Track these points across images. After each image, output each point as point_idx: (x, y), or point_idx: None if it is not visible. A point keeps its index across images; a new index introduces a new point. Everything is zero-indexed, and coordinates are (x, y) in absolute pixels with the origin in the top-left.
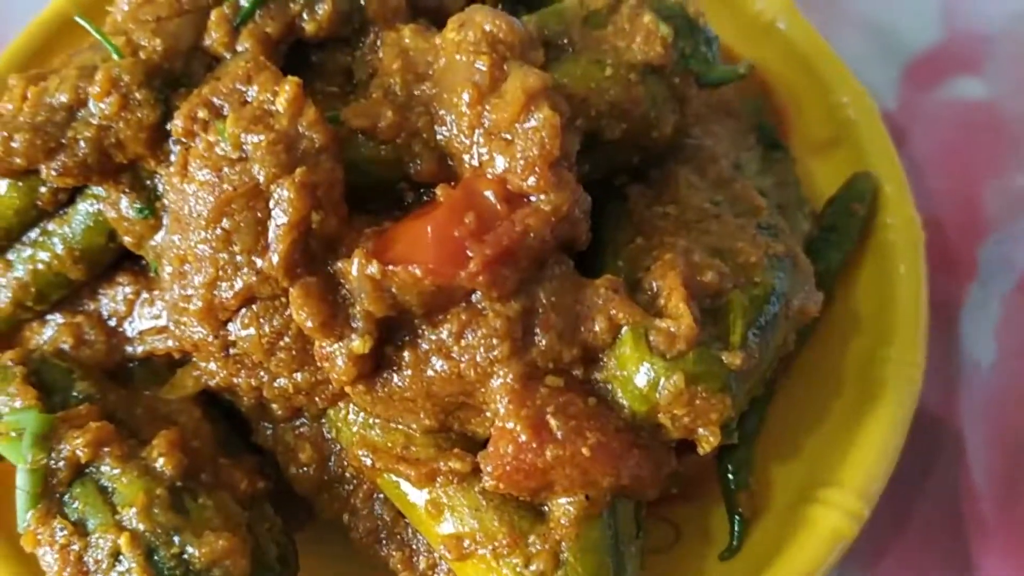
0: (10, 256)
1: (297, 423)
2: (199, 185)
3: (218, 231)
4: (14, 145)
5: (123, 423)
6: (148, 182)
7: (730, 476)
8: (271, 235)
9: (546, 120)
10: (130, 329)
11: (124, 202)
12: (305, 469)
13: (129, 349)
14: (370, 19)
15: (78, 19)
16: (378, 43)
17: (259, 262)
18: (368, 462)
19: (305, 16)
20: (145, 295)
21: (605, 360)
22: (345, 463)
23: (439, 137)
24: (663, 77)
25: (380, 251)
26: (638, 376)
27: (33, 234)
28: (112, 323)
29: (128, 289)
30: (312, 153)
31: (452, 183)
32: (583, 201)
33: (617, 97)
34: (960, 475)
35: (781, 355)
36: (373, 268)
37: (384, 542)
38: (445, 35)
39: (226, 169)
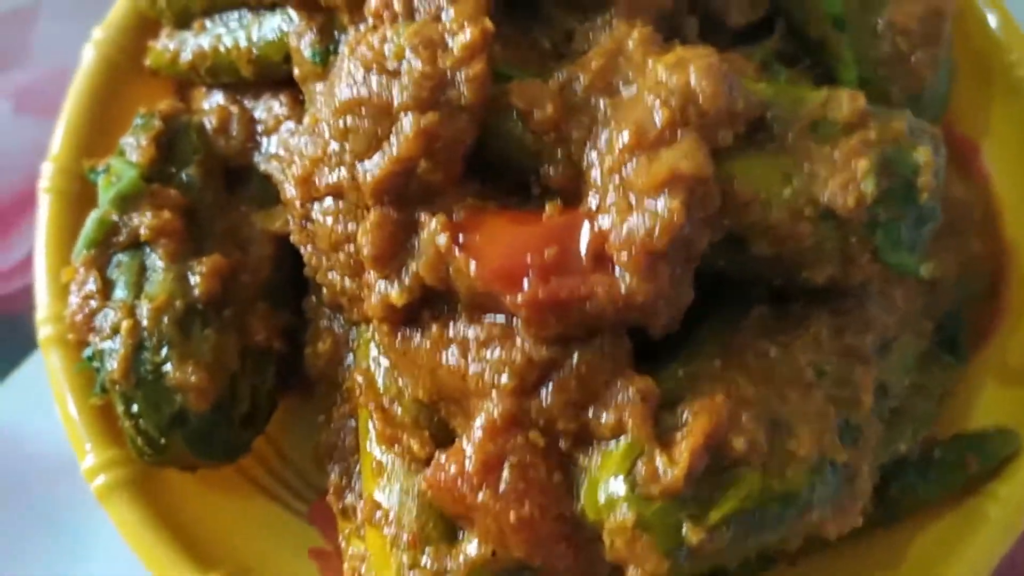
0: (207, 23)
1: (334, 316)
2: (347, 73)
3: (339, 123)
4: None
5: (200, 226)
6: (336, 33)
7: None
8: (378, 155)
9: (670, 212)
10: (266, 144)
11: (307, 39)
12: (318, 358)
13: (256, 159)
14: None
15: None
16: (609, 26)
17: (359, 169)
18: (358, 391)
19: None
20: (292, 124)
21: (594, 450)
22: (348, 375)
23: (585, 156)
24: (840, 227)
25: (463, 227)
26: (603, 487)
27: (232, 15)
28: (259, 128)
29: (283, 110)
30: (455, 105)
31: (572, 202)
32: (676, 298)
33: (779, 221)
34: None
35: (779, 550)
36: (443, 239)
37: (333, 459)
38: (656, 66)
39: (375, 73)
